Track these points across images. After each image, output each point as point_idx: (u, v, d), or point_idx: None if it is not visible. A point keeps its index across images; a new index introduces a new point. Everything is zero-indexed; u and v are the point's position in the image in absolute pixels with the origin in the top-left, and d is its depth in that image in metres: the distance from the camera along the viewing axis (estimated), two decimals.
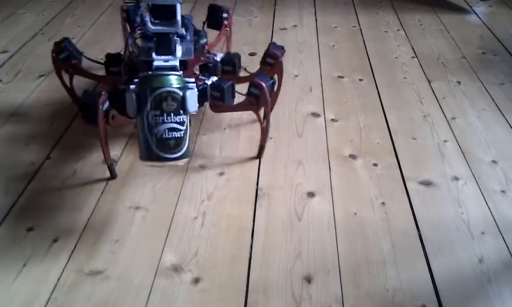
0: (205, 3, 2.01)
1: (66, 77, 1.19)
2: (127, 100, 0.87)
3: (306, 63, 1.56)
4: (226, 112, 1.22)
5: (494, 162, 1.14)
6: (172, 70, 0.91)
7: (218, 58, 1.15)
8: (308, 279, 0.84)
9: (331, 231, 0.94)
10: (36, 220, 0.95)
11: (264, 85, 1.03)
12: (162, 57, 0.94)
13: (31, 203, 0.99)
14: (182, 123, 0.86)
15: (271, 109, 1.24)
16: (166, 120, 0.85)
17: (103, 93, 0.94)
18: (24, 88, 1.38)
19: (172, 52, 0.95)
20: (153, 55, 0.94)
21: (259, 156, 1.12)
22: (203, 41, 1.18)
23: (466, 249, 0.91)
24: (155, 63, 0.93)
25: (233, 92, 1.03)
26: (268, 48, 1.19)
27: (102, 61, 1.15)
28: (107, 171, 1.05)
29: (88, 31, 1.74)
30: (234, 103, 1.06)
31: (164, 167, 1.09)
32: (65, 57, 1.15)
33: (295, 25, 1.85)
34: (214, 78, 1.07)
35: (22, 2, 1.97)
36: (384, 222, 0.96)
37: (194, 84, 0.95)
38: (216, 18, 1.33)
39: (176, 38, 1.00)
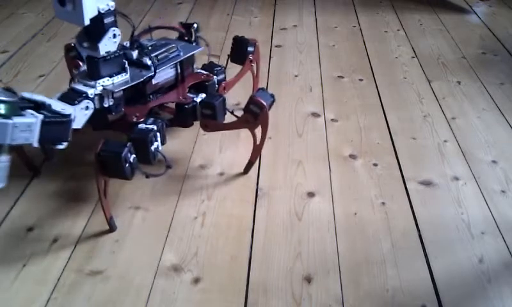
0: (204, 4, 2.02)
1: None
2: None
3: (306, 63, 1.56)
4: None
5: (494, 162, 1.14)
6: (79, 96, 0.89)
7: (198, 99, 1.03)
8: (308, 279, 0.84)
9: (331, 231, 0.94)
10: (36, 220, 0.95)
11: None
12: (83, 80, 0.92)
13: (31, 203, 0.99)
14: None
15: (255, 158, 1.12)
16: None
17: None
18: (24, 88, 1.37)
19: (92, 78, 0.92)
20: (78, 77, 0.93)
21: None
22: (219, 77, 1.12)
23: (466, 249, 0.91)
24: (72, 84, 0.92)
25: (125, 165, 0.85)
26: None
27: None
28: None
29: None
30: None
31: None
32: (73, 57, 1.15)
33: (295, 25, 1.85)
34: (139, 127, 0.92)
35: (22, 2, 1.97)
36: (384, 222, 0.96)
37: (40, 117, 0.81)
38: (239, 52, 1.19)
39: (126, 66, 0.96)
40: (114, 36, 0.91)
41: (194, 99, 1.03)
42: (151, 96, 1.03)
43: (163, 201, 1.00)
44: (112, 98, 0.95)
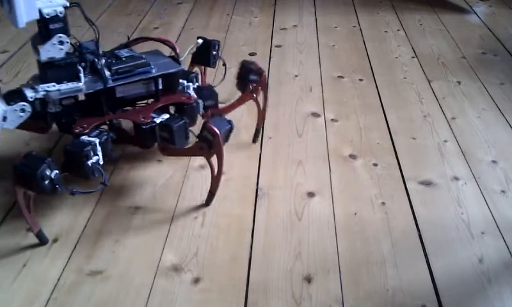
0: (204, 4, 2.02)
1: None
2: None
3: (306, 63, 1.56)
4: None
5: (494, 162, 1.14)
6: (18, 97, 0.86)
7: (159, 120, 0.94)
8: (308, 279, 0.84)
9: (331, 231, 0.94)
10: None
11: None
12: (33, 83, 0.89)
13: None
14: None
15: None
16: None
17: None
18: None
19: (40, 82, 0.89)
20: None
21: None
22: (207, 102, 1.03)
23: (466, 249, 0.91)
24: (22, 85, 0.90)
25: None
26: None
27: None
28: (109, 169, 1.04)
29: (87, 31, 1.74)
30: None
31: (164, 167, 1.09)
32: None
33: (295, 25, 1.85)
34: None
35: None
36: (384, 222, 0.96)
37: None
38: (243, 79, 1.07)
39: (80, 75, 0.90)
40: (61, 42, 0.86)
41: (155, 120, 0.94)
42: (111, 110, 0.95)
43: (163, 201, 1.00)
44: (60, 104, 0.90)
